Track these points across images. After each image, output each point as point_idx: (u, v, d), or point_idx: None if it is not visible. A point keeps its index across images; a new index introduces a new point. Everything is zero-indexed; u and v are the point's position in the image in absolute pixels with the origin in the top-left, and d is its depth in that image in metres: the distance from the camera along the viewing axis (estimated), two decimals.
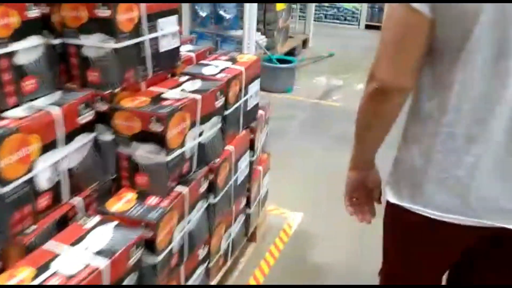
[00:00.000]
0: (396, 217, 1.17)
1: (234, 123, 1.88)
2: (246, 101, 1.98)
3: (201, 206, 1.65)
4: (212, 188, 1.70)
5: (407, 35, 0.98)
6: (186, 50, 1.99)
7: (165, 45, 1.57)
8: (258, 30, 4.86)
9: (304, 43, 6.46)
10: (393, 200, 1.14)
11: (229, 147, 1.83)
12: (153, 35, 1.49)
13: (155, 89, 1.54)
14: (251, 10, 4.45)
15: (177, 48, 1.66)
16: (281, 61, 4.99)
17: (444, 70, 0.99)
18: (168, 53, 1.60)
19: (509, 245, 1.09)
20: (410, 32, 0.98)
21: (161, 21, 1.52)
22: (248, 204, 2.18)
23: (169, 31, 1.58)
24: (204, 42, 4.63)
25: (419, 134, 1.07)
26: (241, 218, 2.14)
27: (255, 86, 2.06)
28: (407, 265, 1.23)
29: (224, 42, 4.66)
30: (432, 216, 1.07)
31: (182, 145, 1.47)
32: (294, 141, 3.68)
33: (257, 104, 2.13)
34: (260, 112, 2.18)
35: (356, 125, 1.14)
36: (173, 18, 1.59)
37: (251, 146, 2.08)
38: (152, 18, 1.47)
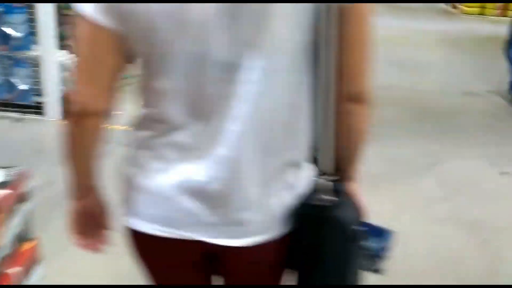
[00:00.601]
0: (126, 231, 1.11)
1: None
2: None
3: None
4: None
5: (97, 52, 0.93)
6: None
7: None
8: (62, 47, 4.05)
9: None
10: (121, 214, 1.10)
11: None
12: None
13: None
14: (46, 23, 3.66)
15: None
16: None
17: (151, 79, 0.96)
18: None
19: (226, 260, 1.07)
20: (100, 49, 0.92)
21: None
22: None
23: None
24: None
25: (136, 143, 1.05)
26: None
27: None
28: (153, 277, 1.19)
29: (18, 66, 3.77)
30: (141, 230, 1.03)
31: None
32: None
33: None
34: (1, 193, 1.49)
35: (62, 151, 1.06)
36: None
37: None
38: None
